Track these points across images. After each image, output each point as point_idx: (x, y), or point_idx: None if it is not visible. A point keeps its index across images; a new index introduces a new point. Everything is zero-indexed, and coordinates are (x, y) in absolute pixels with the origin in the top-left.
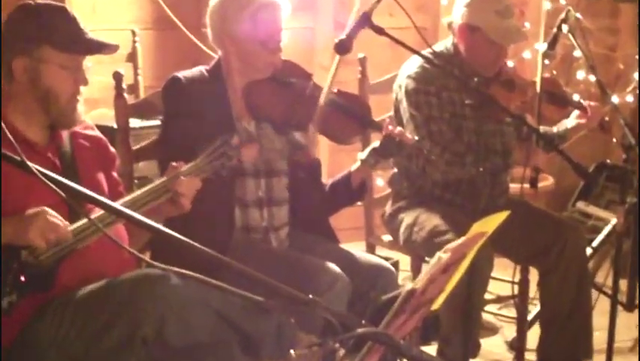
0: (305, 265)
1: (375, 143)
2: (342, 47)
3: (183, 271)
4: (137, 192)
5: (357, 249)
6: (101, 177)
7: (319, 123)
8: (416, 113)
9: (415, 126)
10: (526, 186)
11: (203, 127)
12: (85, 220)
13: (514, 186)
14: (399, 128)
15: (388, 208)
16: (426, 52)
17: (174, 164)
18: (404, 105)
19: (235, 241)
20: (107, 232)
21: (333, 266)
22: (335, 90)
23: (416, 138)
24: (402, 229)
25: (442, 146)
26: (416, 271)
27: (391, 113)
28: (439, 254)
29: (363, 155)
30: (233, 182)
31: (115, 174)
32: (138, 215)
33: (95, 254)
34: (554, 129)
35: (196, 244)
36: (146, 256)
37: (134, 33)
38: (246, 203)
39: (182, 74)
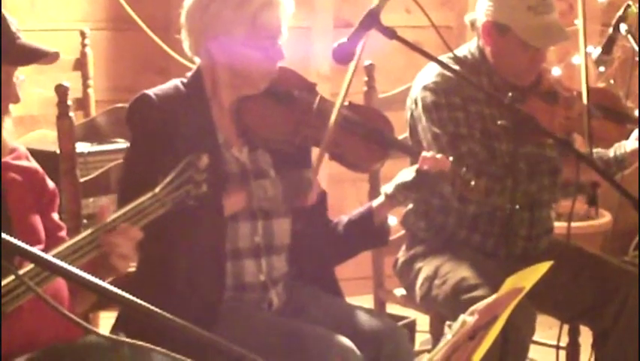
0: (312, 338)
1: (403, 173)
2: (342, 54)
3: (146, 345)
4: (62, 246)
5: (363, 304)
6: (37, 220)
7: (331, 147)
8: (440, 131)
9: (440, 149)
10: (583, 205)
11: (181, 158)
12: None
13: (559, 225)
14: (432, 154)
15: (402, 255)
16: (445, 57)
17: (103, 205)
18: (423, 123)
19: (226, 306)
20: (40, 291)
21: (343, 340)
22: (346, 104)
23: (451, 158)
24: (419, 282)
25: (475, 169)
26: (437, 334)
27: (406, 134)
28: (463, 317)
29: (389, 188)
30: (224, 225)
31: (55, 215)
32: (79, 271)
33: (29, 317)
34: (610, 153)
35: (162, 312)
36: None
37: (83, 34)
38: (239, 253)
39: (153, 91)
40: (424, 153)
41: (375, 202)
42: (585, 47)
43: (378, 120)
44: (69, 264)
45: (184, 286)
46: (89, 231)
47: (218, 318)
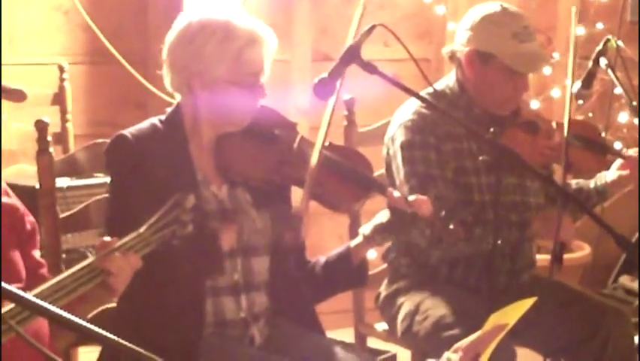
0: None
1: (381, 214)
2: (323, 90)
3: None
4: (59, 277)
5: (343, 338)
6: (17, 258)
7: (311, 187)
8: (411, 171)
9: (410, 188)
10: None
11: (161, 197)
12: None
13: (541, 258)
14: (412, 197)
15: (384, 289)
16: (425, 92)
17: (106, 240)
18: (397, 162)
19: (206, 342)
20: (22, 331)
21: None
22: (327, 144)
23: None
24: (400, 317)
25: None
26: None
27: (382, 171)
28: (447, 354)
29: (366, 230)
30: (205, 262)
31: (36, 252)
32: (60, 311)
33: (10, 356)
34: (591, 184)
35: (142, 350)
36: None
37: (61, 68)
38: (218, 290)
39: (130, 131)
40: (394, 193)
41: (353, 243)
42: (572, 78)
43: (357, 161)
44: (74, 291)
45: (163, 322)
46: (91, 258)
47: (199, 354)
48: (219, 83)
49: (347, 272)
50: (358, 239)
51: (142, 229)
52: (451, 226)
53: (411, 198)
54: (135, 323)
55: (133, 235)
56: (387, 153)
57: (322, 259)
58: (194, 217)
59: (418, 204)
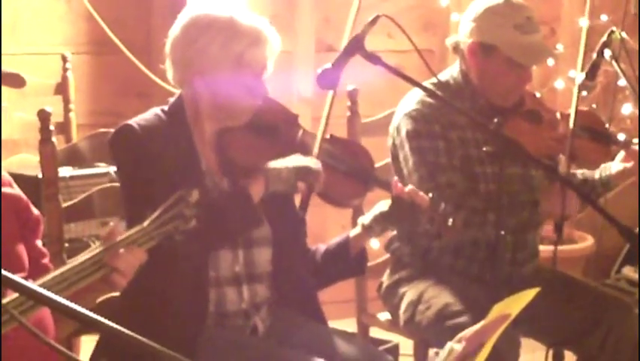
0: None
1: (381, 204)
2: (326, 80)
3: None
4: (63, 269)
5: (346, 328)
6: (21, 248)
7: None
8: (420, 161)
9: (419, 178)
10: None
11: (168, 185)
12: None
13: (544, 249)
14: (410, 187)
15: (386, 279)
16: (429, 82)
17: (111, 226)
18: (404, 152)
19: (208, 332)
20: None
21: None
22: (328, 136)
23: (430, 195)
24: (403, 307)
25: (454, 202)
26: (421, 358)
27: (388, 160)
28: (450, 344)
29: (366, 220)
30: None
31: (39, 242)
32: (63, 300)
33: (14, 346)
34: (596, 175)
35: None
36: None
37: (64, 58)
38: (220, 281)
39: (136, 121)
40: (395, 181)
41: (352, 232)
42: (579, 70)
43: (359, 155)
44: (75, 284)
45: (166, 312)
46: (94, 251)
47: (201, 344)
48: (220, 83)
49: (345, 261)
50: (357, 229)
51: (145, 223)
52: (450, 222)
53: (408, 188)
54: (138, 312)
55: (137, 228)
56: (393, 144)
57: (322, 247)
58: (198, 212)
59: (415, 194)
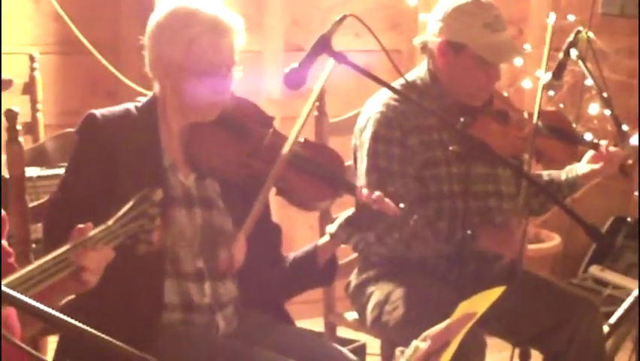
0: None
1: (348, 211)
2: (293, 79)
3: None
4: (30, 267)
5: (313, 328)
6: None
7: (279, 183)
8: (372, 165)
9: (368, 183)
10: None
11: (122, 180)
12: None
13: None
14: (377, 193)
15: (354, 278)
16: (397, 82)
17: (81, 226)
18: (362, 153)
19: (175, 327)
20: None
21: None
22: (302, 140)
23: (401, 205)
24: (370, 306)
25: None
26: (388, 358)
27: (351, 162)
28: (415, 343)
29: (332, 228)
30: (162, 249)
31: (4, 242)
32: (28, 299)
33: None
34: (562, 175)
35: (105, 336)
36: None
37: (32, 58)
38: (181, 274)
39: (101, 111)
40: (361, 186)
41: (321, 241)
42: (545, 69)
43: (331, 160)
44: (41, 282)
45: (121, 304)
46: (63, 248)
47: (166, 342)
48: (177, 71)
49: (313, 271)
50: (325, 238)
51: (110, 222)
52: (412, 221)
53: (375, 195)
54: (94, 309)
55: (101, 227)
56: (355, 145)
57: (291, 255)
58: (162, 211)
59: (381, 200)
